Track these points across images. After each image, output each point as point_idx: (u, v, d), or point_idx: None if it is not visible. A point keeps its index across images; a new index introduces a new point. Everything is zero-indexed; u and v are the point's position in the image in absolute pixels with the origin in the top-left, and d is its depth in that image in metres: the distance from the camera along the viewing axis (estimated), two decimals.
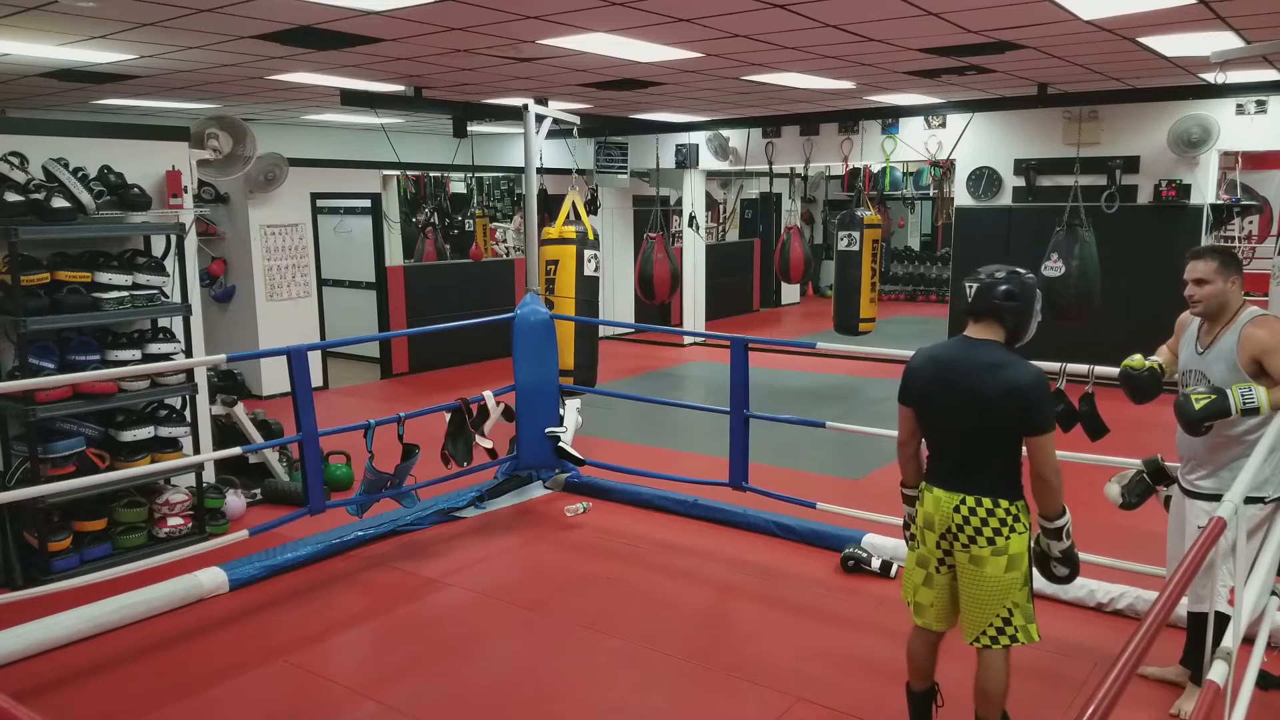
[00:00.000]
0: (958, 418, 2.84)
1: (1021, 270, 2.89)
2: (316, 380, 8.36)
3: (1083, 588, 4.21)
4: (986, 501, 2.80)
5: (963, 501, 2.82)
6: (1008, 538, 2.79)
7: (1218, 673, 1.71)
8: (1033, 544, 2.91)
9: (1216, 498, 2.83)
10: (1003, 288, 2.82)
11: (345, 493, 5.71)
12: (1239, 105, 8.11)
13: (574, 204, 6.24)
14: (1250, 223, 10.61)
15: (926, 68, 6.93)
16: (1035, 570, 2.92)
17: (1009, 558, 2.79)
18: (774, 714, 3.40)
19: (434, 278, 10.61)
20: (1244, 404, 2.98)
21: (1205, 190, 8.42)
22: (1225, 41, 5.72)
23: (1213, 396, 3.03)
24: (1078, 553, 2.92)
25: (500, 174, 13.01)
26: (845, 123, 10.12)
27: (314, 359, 7.92)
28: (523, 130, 6.13)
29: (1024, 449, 2.81)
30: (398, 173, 11.07)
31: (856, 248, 8.69)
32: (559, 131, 7.32)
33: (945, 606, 2.97)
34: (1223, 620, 2.36)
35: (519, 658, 3.94)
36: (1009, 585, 2.80)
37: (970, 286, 2.88)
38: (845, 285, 8.87)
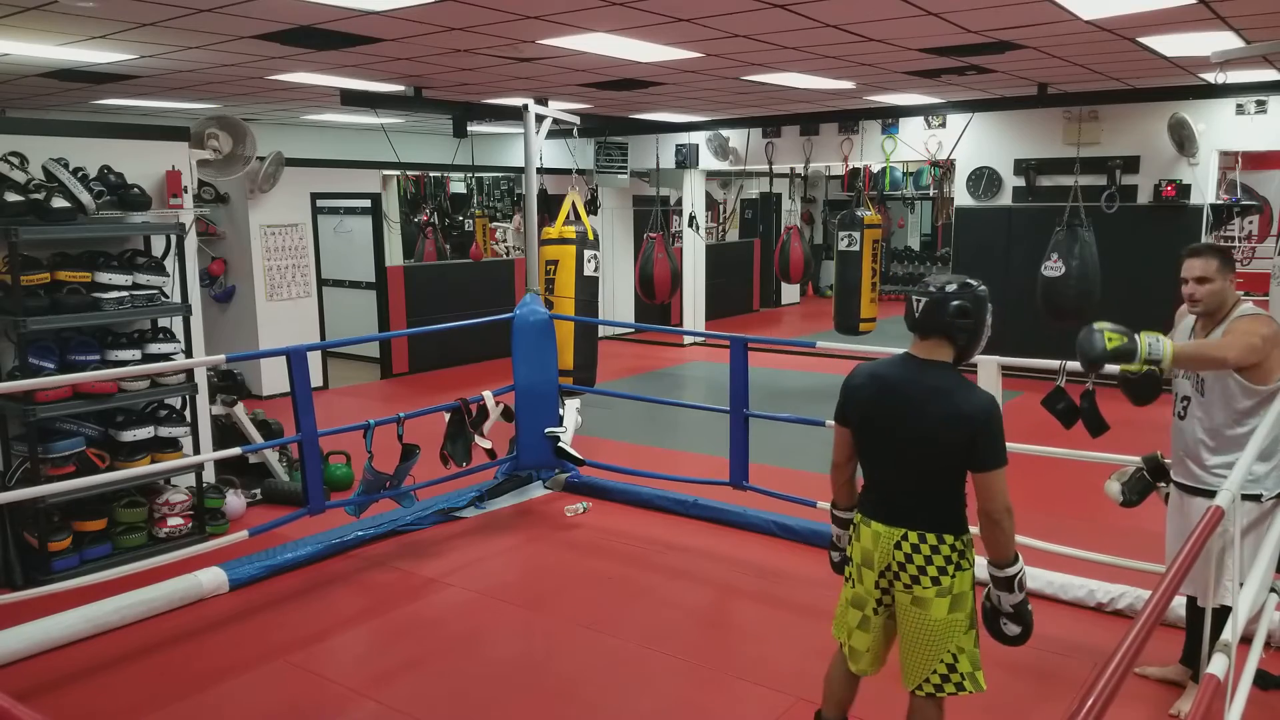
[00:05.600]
0: (901, 445, 2.60)
1: (974, 281, 2.60)
2: (316, 380, 8.36)
3: (1082, 588, 4.21)
4: (931, 538, 2.54)
5: (904, 538, 2.56)
6: (953, 576, 2.54)
7: (1218, 665, 1.70)
8: (983, 600, 2.63)
9: (1214, 494, 2.83)
10: (955, 303, 2.52)
11: (345, 493, 5.71)
12: (1239, 105, 8.11)
13: (574, 204, 6.23)
14: (1250, 223, 10.60)
15: (926, 68, 6.93)
16: (985, 627, 2.65)
17: (953, 597, 2.54)
18: (774, 714, 3.40)
19: (434, 278, 10.61)
20: (1149, 354, 2.88)
21: (1205, 190, 8.41)
22: (1225, 41, 5.72)
23: (1124, 339, 2.91)
24: (1030, 608, 2.60)
25: (500, 174, 13.00)
26: (845, 123, 10.10)
27: (314, 359, 7.92)
28: (523, 130, 6.13)
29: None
30: (398, 173, 11.06)
31: (857, 248, 8.70)
32: (559, 131, 7.31)
33: (880, 650, 2.76)
34: (1221, 615, 2.34)
35: (519, 657, 3.95)
36: (953, 628, 2.55)
37: (918, 301, 2.59)
38: (846, 285, 8.88)
